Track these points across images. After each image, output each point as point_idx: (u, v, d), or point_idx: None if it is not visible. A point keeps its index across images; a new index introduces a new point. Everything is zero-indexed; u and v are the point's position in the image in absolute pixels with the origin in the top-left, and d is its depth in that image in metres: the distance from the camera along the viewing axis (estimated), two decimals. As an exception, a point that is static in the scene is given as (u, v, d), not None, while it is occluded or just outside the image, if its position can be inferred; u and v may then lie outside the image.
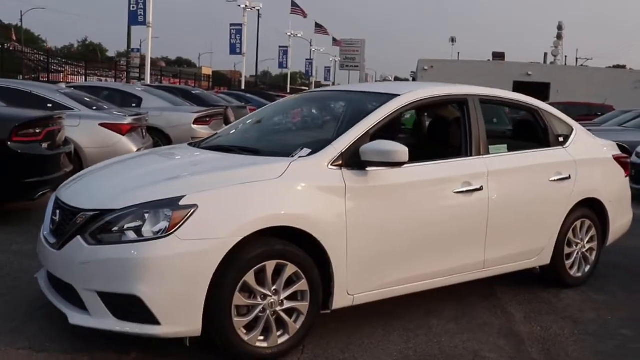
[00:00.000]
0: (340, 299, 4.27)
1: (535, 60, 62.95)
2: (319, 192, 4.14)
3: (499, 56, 59.76)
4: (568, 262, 5.77)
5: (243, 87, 45.39)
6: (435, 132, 5.88)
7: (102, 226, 3.80)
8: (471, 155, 5.07)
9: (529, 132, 5.94)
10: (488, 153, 5.16)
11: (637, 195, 10.77)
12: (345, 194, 4.21)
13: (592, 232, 5.95)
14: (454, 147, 5.19)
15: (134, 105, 13.23)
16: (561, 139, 5.83)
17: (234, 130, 5.60)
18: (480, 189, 4.93)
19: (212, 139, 5.43)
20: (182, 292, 3.68)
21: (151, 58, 29.63)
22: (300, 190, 4.09)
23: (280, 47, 62.81)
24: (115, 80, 31.19)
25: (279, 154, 4.39)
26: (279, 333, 4.03)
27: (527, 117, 6.03)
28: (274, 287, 3.97)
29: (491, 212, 5.00)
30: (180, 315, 3.71)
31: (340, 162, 4.30)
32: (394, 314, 4.92)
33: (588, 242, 5.93)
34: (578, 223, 5.80)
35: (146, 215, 3.74)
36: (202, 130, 12.65)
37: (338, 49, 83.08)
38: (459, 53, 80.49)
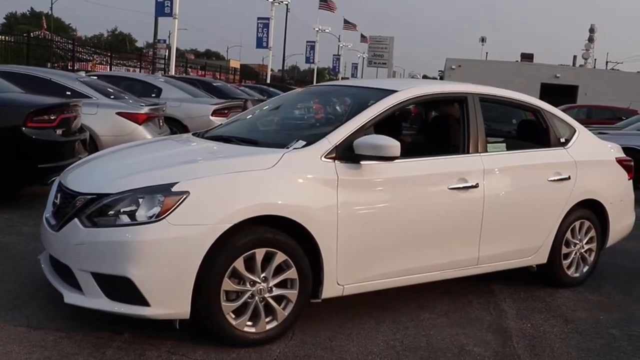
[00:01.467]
0: (330, 289, 4.37)
1: (564, 63, 62.47)
2: (311, 184, 4.24)
3: (527, 57, 59.34)
4: (566, 262, 5.81)
5: (269, 80, 45.63)
6: (434, 128, 5.95)
7: (98, 209, 3.94)
8: (468, 153, 5.13)
9: (531, 132, 5.99)
10: (486, 151, 5.22)
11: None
12: (338, 186, 4.31)
13: (592, 233, 5.98)
14: (452, 144, 5.26)
15: (153, 95, 13.45)
16: (562, 140, 5.86)
17: (236, 122, 5.73)
18: (476, 186, 4.99)
19: (214, 130, 5.56)
20: (172, 276, 3.80)
21: (180, 50, 29.90)
22: (292, 181, 4.20)
23: (307, 42, 62.99)
24: (140, 71, 31.51)
25: (275, 145, 4.50)
26: (267, 319, 4.14)
27: (529, 117, 6.07)
28: (263, 274, 4.08)
29: (486, 209, 5.06)
30: (169, 298, 3.83)
31: (334, 155, 4.40)
32: (387, 306, 5.01)
33: (587, 243, 5.96)
34: (577, 223, 5.83)
35: (140, 200, 3.87)
36: (220, 122, 12.70)
37: (366, 46, 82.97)
38: (487, 53, 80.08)
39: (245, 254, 3.98)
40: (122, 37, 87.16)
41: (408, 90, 5.01)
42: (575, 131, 6.02)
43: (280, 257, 4.11)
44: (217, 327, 3.99)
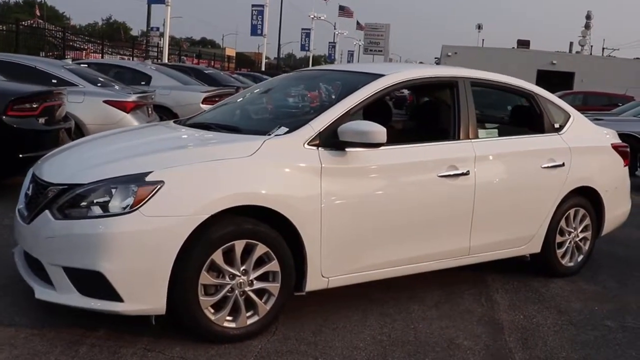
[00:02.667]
0: (314, 281, 4.21)
1: (561, 50, 62.29)
2: (293, 172, 4.06)
3: (524, 44, 59.17)
4: (560, 251, 5.65)
5: (263, 68, 45.29)
6: (423, 114, 5.78)
7: (70, 200, 3.76)
8: (459, 139, 4.96)
9: (524, 118, 5.81)
10: (477, 137, 5.05)
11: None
12: (322, 174, 4.13)
13: (586, 221, 5.82)
14: (442, 131, 5.08)
15: (143, 83, 13.23)
16: (557, 126, 5.68)
17: (220, 109, 5.53)
18: (467, 173, 4.82)
19: (197, 117, 5.37)
20: (145, 270, 3.63)
21: (175, 39, 29.67)
22: (272, 169, 4.02)
23: (303, 29, 62.62)
24: (133, 59, 31.23)
25: (257, 132, 4.31)
26: (248, 314, 3.98)
27: (523, 102, 5.89)
28: (243, 267, 3.91)
29: (477, 197, 4.89)
30: (143, 293, 3.66)
31: (318, 141, 4.22)
32: (375, 298, 4.85)
33: (582, 231, 5.80)
34: (571, 211, 5.67)
35: (113, 191, 3.69)
36: None
37: (362, 33, 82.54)
38: (483, 40, 79.83)
39: (224, 246, 3.81)
40: (117, 25, 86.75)
41: (396, 75, 4.82)
42: (569, 117, 5.85)
43: (260, 249, 3.94)
44: (195, 323, 3.82)
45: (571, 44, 66.25)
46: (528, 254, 5.51)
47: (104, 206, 3.67)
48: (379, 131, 4.19)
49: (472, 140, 4.98)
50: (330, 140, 4.24)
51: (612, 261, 6.41)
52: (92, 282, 3.63)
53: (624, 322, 4.79)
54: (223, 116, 5.25)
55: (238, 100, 5.68)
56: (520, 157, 5.26)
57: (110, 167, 3.87)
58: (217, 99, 13.00)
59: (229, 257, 3.86)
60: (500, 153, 5.13)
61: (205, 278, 3.79)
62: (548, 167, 5.39)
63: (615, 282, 5.74)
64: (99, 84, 10.45)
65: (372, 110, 5.09)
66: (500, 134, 5.35)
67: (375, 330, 4.32)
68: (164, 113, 12.43)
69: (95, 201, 3.70)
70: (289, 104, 5.29)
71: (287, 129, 4.25)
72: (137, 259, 3.61)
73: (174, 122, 5.33)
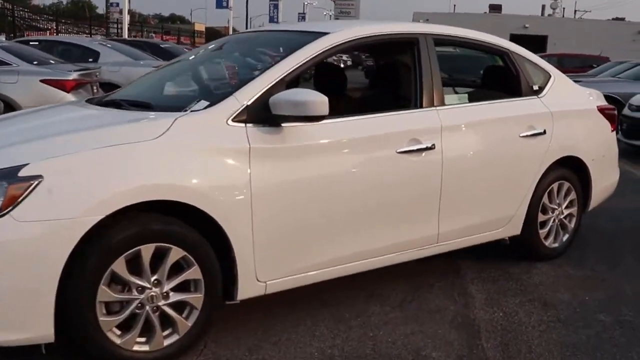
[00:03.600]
0: (248, 288, 3.44)
1: (533, 13, 61.88)
2: (212, 156, 3.27)
3: (495, 9, 58.73)
4: (542, 232, 4.93)
5: None
6: (379, 80, 4.98)
7: None
8: (421, 107, 4.19)
9: (498, 80, 5.03)
10: (444, 104, 4.28)
11: (628, 152, 10.00)
12: (250, 157, 3.35)
13: (572, 195, 5.09)
14: (401, 98, 4.31)
15: (90, 60, 12.35)
16: (536, 88, 4.92)
17: (142, 81, 4.68)
18: (432, 147, 4.06)
19: (113, 93, 4.55)
20: (23, 289, 2.84)
21: (142, 15, 28.51)
22: (186, 154, 3.21)
23: (270, 1, 61.12)
24: (91, 37, 29.94)
25: (172, 109, 3.50)
26: (165, 333, 3.22)
27: (496, 62, 5.12)
28: (154, 277, 3.14)
29: (445, 175, 4.14)
30: (22, 318, 2.87)
31: (245, 117, 3.43)
32: (327, 299, 4.10)
33: (566, 207, 5.07)
34: (555, 186, 4.93)
35: None
36: None
37: (332, 3, 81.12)
38: (455, 5, 78.99)
39: (127, 252, 3.03)
40: (82, 4, 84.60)
41: (343, 32, 4.01)
42: (550, 77, 5.09)
43: (176, 254, 3.16)
44: (98, 349, 3.05)
45: (543, 7, 65.72)
46: (507, 237, 4.78)
47: (-31, 210, 2.86)
48: (318, 101, 3.41)
49: (438, 108, 4.21)
50: (262, 114, 3.45)
51: (599, 237, 5.70)
52: (-44, 307, 2.84)
53: (620, 314, 4.09)
54: (138, 91, 4.40)
55: (160, 71, 4.85)
56: (495, 126, 4.51)
57: None
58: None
59: (134, 265, 3.07)
60: (471, 122, 4.37)
61: (106, 294, 3.01)
62: (527, 135, 4.64)
63: (604, 265, 5.02)
64: (35, 62, 9.57)
65: (321, 77, 4.32)
66: (471, 100, 4.61)
67: (326, 343, 3.56)
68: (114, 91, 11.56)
69: (-41, 203, 2.89)
70: (218, 72, 4.47)
71: (208, 103, 3.46)
72: (12, 277, 2.82)
73: (87, 100, 4.48)
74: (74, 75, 9.40)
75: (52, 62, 10.08)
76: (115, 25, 36.28)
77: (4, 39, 12.74)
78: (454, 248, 4.45)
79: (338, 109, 3.69)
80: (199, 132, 3.29)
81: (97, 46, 12.97)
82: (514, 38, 36.02)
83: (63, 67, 9.85)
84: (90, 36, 30.60)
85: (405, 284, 4.43)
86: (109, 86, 11.33)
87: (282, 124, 3.47)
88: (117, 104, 3.91)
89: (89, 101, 4.36)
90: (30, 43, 12.68)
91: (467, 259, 4.89)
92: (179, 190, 3.12)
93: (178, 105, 3.56)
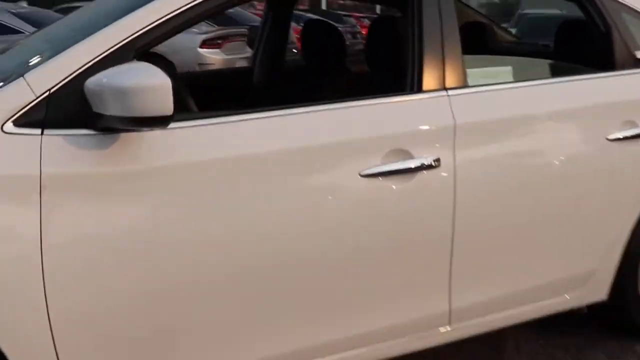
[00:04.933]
0: None
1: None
2: None
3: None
4: (648, 294, 2.99)
5: (324, 7, 39.12)
6: (369, 47, 3.14)
7: None
8: (420, 92, 2.36)
9: (571, 42, 3.08)
10: (463, 85, 2.43)
11: None
12: (42, 192, 1.71)
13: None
14: (379, 75, 2.51)
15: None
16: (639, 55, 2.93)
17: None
18: (434, 165, 2.24)
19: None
20: None
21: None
22: None
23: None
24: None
25: None
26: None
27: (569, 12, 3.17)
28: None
29: (460, 212, 2.31)
30: None
31: (43, 115, 1.77)
32: None
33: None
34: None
35: None
36: (212, 55, 10.79)
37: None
38: None
39: None
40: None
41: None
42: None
43: None
44: None
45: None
46: (585, 305, 2.89)
47: None
48: (151, 86, 1.70)
49: (450, 92, 2.37)
50: (76, 111, 1.79)
51: None
52: None
53: None
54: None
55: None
56: (560, 122, 2.61)
57: None
58: (220, 42, 11.07)
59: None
60: (513, 117, 2.49)
61: None
62: (621, 138, 2.70)
63: None
64: None
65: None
66: (519, 76, 2.72)
67: None
68: (158, 61, 10.27)
69: None
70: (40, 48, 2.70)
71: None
72: None
73: None
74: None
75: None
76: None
77: (25, 4, 11.70)
78: (480, 332, 2.61)
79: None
80: None
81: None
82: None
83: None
84: None
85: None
86: (154, 57, 10.12)
87: (113, 131, 1.79)
88: None
89: None
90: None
91: (527, 329, 3.03)
92: None
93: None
